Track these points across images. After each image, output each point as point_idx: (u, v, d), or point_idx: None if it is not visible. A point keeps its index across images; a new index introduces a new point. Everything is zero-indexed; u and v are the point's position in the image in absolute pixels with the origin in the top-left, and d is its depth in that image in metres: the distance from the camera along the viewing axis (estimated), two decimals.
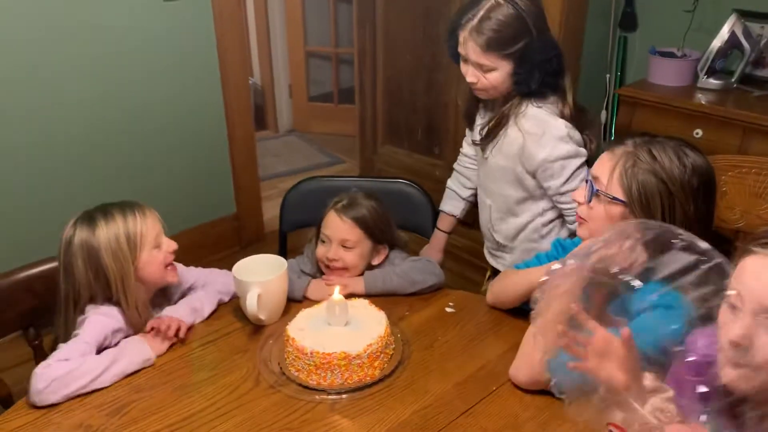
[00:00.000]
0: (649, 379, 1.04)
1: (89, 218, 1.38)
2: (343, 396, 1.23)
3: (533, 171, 1.62)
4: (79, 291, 1.36)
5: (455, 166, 1.93)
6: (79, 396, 1.24)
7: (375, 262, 1.60)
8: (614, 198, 1.21)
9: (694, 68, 2.60)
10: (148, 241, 1.38)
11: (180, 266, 1.52)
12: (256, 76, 4.64)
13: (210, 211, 3.04)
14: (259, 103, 4.59)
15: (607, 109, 2.94)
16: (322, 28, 4.55)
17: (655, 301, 1.16)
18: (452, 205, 1.92)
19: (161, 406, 1.22)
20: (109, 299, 1.37)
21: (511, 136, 1.61)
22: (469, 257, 2.58)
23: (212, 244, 2.99)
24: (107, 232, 1.35)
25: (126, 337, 1.37)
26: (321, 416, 1.19)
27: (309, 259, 1.62)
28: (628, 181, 1.19)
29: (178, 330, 1.38)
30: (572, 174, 1.58)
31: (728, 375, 0.90)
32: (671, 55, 2.65)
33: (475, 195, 1.89)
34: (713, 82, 2.55)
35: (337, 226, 1.55)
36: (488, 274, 1.91)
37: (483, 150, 1.69)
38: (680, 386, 1.03)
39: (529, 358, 1.21)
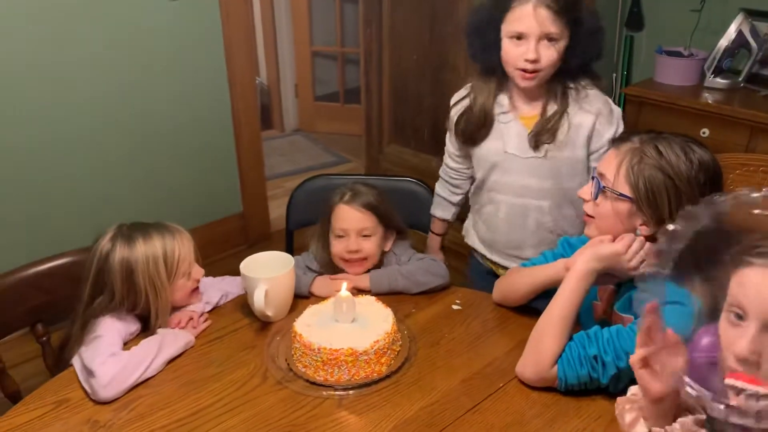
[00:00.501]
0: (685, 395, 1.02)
1: (128, 236, 1.37)
2: (350, 392, 1.24)
3: (593, 151, 1.59)
4: (107, 303, 1.36)
5: (442, 174, 1.88)
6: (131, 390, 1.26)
7: (386, 248, 1.60)
8: (621, 194, 1.21)
9: (701, 67, 2.60)
10: (182, 270, 1.40)
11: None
12: (262, 76, 4.66)
13: (216, 209, 3.05)
14: (265, 102, 4.59)
15: None
16: (328, 28, 4.56)
17: (670, 294, 1.16)
18: (444, 211, 1.89)
19: (169, 402, 1.22)
20: (131, 310, 1.39)
21: (577, 122, 1.57)
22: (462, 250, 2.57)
23: (219, 242, 3.00)
24: (145, 253, 1.35)
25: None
26: (328, 412, 1.19)
27: (315, 257, 1.62)
28: (635, 177, 1.19)
29: (200, 317, 1.44)
30: None
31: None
32: (678, 54, 2.65)
33: (464, 199, 1.86)
34: (720, 82, 2.55)
35: (353, 216, 1.55)
36: None
37: (538, 150, 1.59)
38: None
39: (536, 355, 1.22)
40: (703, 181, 1.17)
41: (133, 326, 1.38)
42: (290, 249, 1.97)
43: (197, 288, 1.47)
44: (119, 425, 1.17)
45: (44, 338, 1.54)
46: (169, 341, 1.34)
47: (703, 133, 2.41)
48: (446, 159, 1.85)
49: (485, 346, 1.36)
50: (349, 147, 4.34)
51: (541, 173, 1.62)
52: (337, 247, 1.56)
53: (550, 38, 1.49)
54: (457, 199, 1.87)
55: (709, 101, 2.47)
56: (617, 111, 1.60)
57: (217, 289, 1.54)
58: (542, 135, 1.58)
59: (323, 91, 4.72)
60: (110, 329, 1.32)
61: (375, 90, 3.57)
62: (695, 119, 2.45)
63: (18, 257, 1.59)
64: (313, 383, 1.25)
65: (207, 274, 1.59)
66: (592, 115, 1.56)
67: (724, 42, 2.50)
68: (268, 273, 1.42)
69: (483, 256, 1.82)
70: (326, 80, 4.71)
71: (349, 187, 1.60)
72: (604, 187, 1.24)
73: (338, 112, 4.66)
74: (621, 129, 1.59)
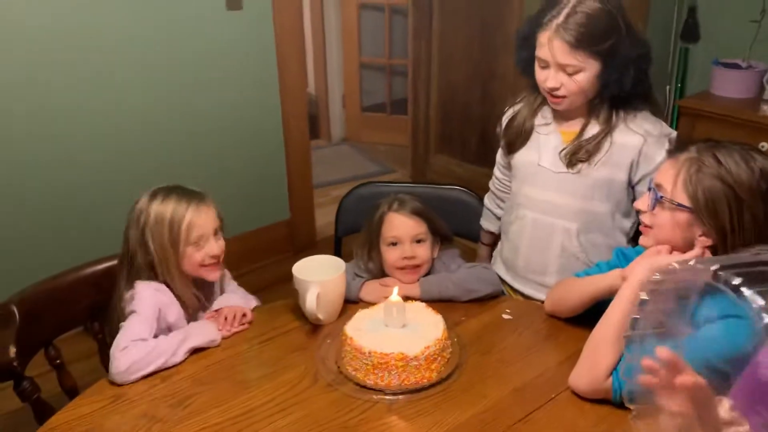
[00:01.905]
0: (724, 410, 1.00)
1: (156, 191, 1.43)
2: (400, 397, 1.23)
3: (643, 177, 1.53)
4: (130, 257, 1.42)
5: (491, 186, 1.87)
6: (149, 376, 1.30)
7: (434, 255, 1.60)
8: (679, 204, 1.18)
9: (760, 80, 2.54)
10: (191, 238, 1.41)
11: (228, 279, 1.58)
12: (311, 86, 4.72)
13: (264, 215, 3.10)
14: (313, 112, 4.65)
15: (666, 121, 2.88)
16: (376, 40, 4.60)
17: (726, 309, 1.13)
18: (492, 223, 1.87)
19: (222, 400, 1.24)
20: (156, 277, 1.42)
21: (622, 142, 1.51)
22: None
23: (266, 248, 3.04)
24: (156, 210, 1.40)
25: (181, 311, 1.43)
26: (378, 416, 1.19)
27: (363, 268, 1.62)
28: (693, 187, 1.16)
29: (243, 317, 1.45)
30: None
31: None
32: (736, 66, 2.59)
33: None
34: None
35: (406, 223, 1.55)
36: None
37: (573, 167, 1.55)
38: (746, 405, 1.00)
39: (591, 366, 1.20)
40: (765, 189, 1.13)
41: (169, 296, 1.42)
42: (339, 255, 1.97)
43: (215, 264, 1.46)
44: (174, 421, 1.19)
45: (100, 336, 1.59)
46: (195, 332, 1.38)
47: (762, 146, 2.34)
48: (495, 170, 1.84)
49: (537, 356, 1.35)
50: (395, 157, 4.36)
51: (571, 190, 1.57)
52: (392, 256, 1.55)
53: (568, 70, 1.46)
54: (501, 211, 1.85)
55: None
56: (669, 133, 1.53)
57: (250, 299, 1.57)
58: (577, 153, 1.54)
59: (370, 102, 4.76)
60: (143, 303, 1.37)
61: (422, 100, 3.58)
62: (753, 133, 2.38)
63: (74, 260, 1.63)
64: (363, 387, 1.26)
65: (254, 280, 1.62)
66: (640, 136, 1.50)
67: None
68: (319, 276, 1.43)
69: (507, 284, 1.74)
70: (373, 91, 4.75)
71: (394, 197, 1.60)
72: (661, 197, 1.21)
73: (384, 123, 4.69)
74: None
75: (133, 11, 2.46)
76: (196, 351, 1.38)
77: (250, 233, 3.00)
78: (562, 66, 1.46)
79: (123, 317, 1.38)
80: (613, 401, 1.18)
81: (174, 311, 1.42)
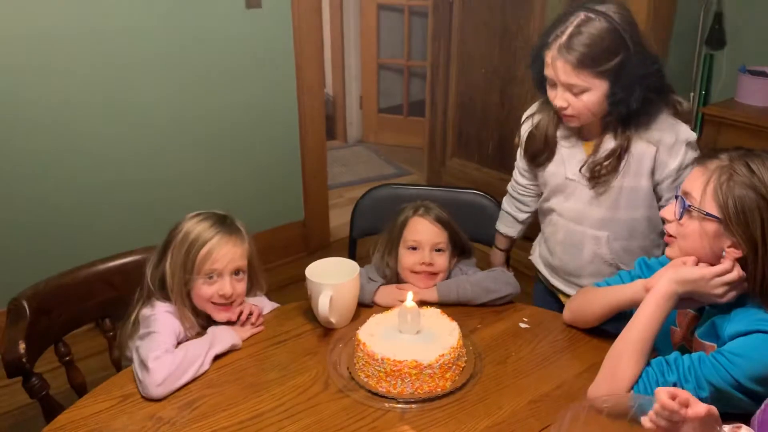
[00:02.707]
0: None
1: (205, 213, 1.41)
2: (413, 406, 1.20)
3: (660, 181, 1.52)
4: (155, 270, 1.40)
5: (509, 190, 1.83)
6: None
7: (451, 267, 1.59)
8: (708, 214, 1.14)
9: None
10: (205, 269, 1.35)
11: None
12: (328, 87, 4.71)
13: (279, 216, 3.08)
14: (330, 113, 4.64)
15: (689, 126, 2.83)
16: (394, 41, 4.58)
17: (754, 324, 1.09)
18: (509, 227, 1.84)
19: (231, 403, 1.22)
20: (167, 297, 1.38)
21: (638, 152, 1.49)
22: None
23: (280, 248, 3.03)
24: (186, 228, 1.37)
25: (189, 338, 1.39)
26: (390, 425, 1.16)
27: (378, 270, 1.60)
28: (724, 196, 1.12)
29: (258, 316, 1.43)
30: None
31: None
32: (763, 74, 2.53)
33: (531, 217, 1.81)
34: None
35: (429, 229, 1.54)
36: None
37: (596, 182, 1.53)
38: None
39: (611, 379, 1.16)
40: None
41: (187, 326, 1.38)
42: (353, 257, 1.95)
43: (225, 305, 1.38)
44: (182, 423, 1.17)
45: (111, 333, 1.57)
46: (219, 339, 1.34)
47: None
48: (515, 174, 1.80)
49: (554, 367, 1.31)
50: (411, 159, 4.33)
51: (598, 201, 1.56)
52: (409, 259, 1.53)
53: (573, 90, 1.43)
54: (523, 216, 1.82)
55: None
56: (685, 137, 1.48)
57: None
58: (596, 169, 1.52)
59: (387, 104, 4.73)
60: (164, 326, 1.32)
61: (440, 103, 3.55)
62: None
63: (91, 257, 1.62)
64: (375, 394, 1.23)
65: (269, 280, 1.59)
66: (653, 146, 1.48)
67: None
68: (333, 279, 1.40)
69: (544, 278, 1.78)
70: (390, 92, 4.73)
71: (420, 203, 1.59)
72: (689, 206, 1.17)
73: (401, 125, 4.66)
74: (691, 156, 1.48)
75: (151, 9, 2.45)
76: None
77: (264, 233, 2.98)
78: (568, 86, 1.43)
79: (137, 330, 1.34)
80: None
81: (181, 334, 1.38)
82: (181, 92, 2.61)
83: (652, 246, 1.60)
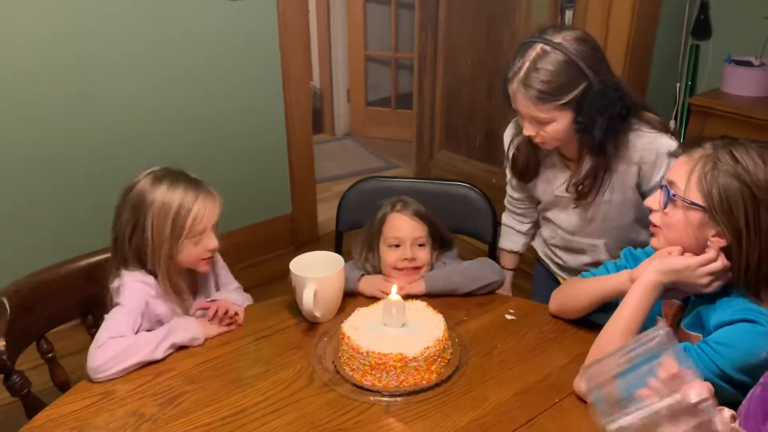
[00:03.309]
0: (722, 422, 0.96)
1: (159, 175, 1.38)
2: (398, 399, 1.20)
3: (648, 190, 1.51)
4: (121, 240, 1.37)
5: (507, 205, 1.82)
6: (130, 373, 1.27)
7: (433, 260, 1.58)
8: (692, 203, 1.13)
9: None
10: (194, 231, 1.36)
11: (222, 267, 1.55)
12: (315, 80, 4.68)
13: (266, 210, 3.06)
14: (317, 106, 4.61)
15: (676, 118, 2.83)
16: (381, 33, 4.55)
17: (739, 314, 1.08)
18: (513, 241, 1.82)
19: (214, 399, 1.20)
20: (143, 266, 1.38)
21: (621, 170, 1.49)
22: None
23: (267, 243, 3.01)
24: (163, 198, 1.34)
25: (169, 303, 1.39)
26: (375, 418, 1.15)
27: (360, 267, 1.58)
28: (708, 184, 1.11)
29: (234, 315, 1.41)
30: None
31: None
32: (748, 64, 2.53)
33: (533, 227, 1.81)
34: None
35: (408, 225, 1.52)
36: None
37: (581, 201, 1.54)
38: (756, 426, 0.95)
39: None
40: None
41: (155, 288, 1.38)
42: (339, 250, 1.94)
43: (208, 258, 1.42)
44: (164, 420, 1.16)
45: (94, 329, 1.55)
46: (177, 329, 1.34)
47: None
48: (509, 190, 1.79)
49: (540, 358, 1.31)
50: (399, 152, 4.32)
51: (591, 216, 1.59)
52: (391, 256, 1.52)
53: (539, 120, 1.42)
54: (525, 228, 1.81)
55: None
56: (666, 149, 1.45)
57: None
58: (581, 189, 1.52)
59: (375, 96, 4.71)
60: (129, 295, 1.33)
61: (428, 95, 3.54)
62: (765, 131, 2.33)
63: (70, 253, 1.60)
64: (361, 387, 1.22)
65: (255, 274, 1.59)
66: (635, 165, 1.48)
67: None
68: (317, 273, 1.39)
69: (545, 263, 1.80)
70: (378, 85, 4.70)
71: (397, 198, 1.58)
72: (674, 195, 1.16)
73: (389, 117, 4.65)
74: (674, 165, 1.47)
75: (134, 0, 2.42)
76: (184, 348, 1.34)
77: (251, 227, 2.97)
78: (532, 118, 1.42)
79: (110, 307, 1.35)
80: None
81: (161, 303, 1.39)
82: (163, 86, 2.58)
83: (648, 238, 1.60)
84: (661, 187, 1.20)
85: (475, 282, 1.50)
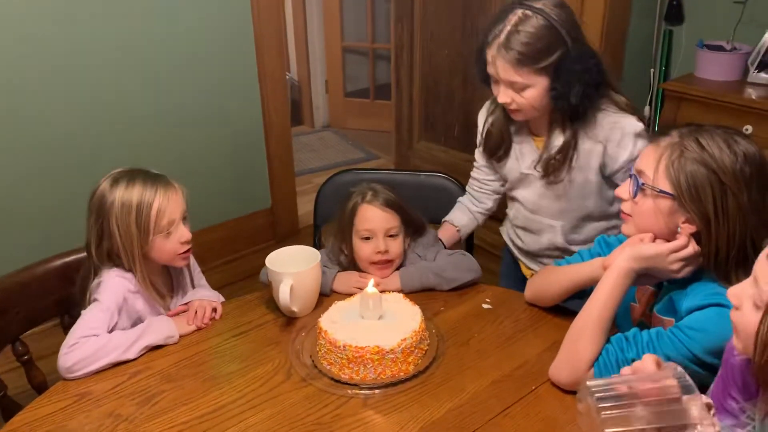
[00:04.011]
0: (697, 408, 0.97)
1: (117, 176, 1.37)
2: (376, 391, 1.20)
3: (613, 173, 1.54)
4: (95, 246, 1.37)
5: (467, 189, 1.83)
6: (105, 372, 1.27)
7: (406, 246, 1.56)
8: (661, 191, 1.14)
9: (744, 62, 2.51)
10: (160, 226, 1.35)
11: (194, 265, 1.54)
12: (293, 72, 4.65)
13: (245, 204, 3.04)
14: (296, 98, 4.59)
15: (650, 104, 2.85)
16: (359, 24, 4.53)
17: (709, 298, 1.10)
18: (457, 216, 1.79)
19: (191, 397, 1.20)
20: (119, 266, 1.37)
21: (586, 149, 1.52)
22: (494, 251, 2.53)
23: (247, 237, 3.00)
24: (122, 197, 1.33)
25: (148, 300, 1.40)
26: (353, 411, 1.16)
27: (332, 259, 1.57)
28: (676, 172, 1.12)
29: (213, 311, 1.42)
30: None
31: None
32: (720, 48, 2.56)
33: (484, 215, 1.81)
34: (764, 77, 2.46)
35: (379, 216, 1.50)
36: None
37: (549, 177, 1.57)
38: (723, 392, 0.97)
39: (572, 357, 1.17)
40: (749, 173, 1.10)
41: (134, 284, 1.37)
42: (317, 244, 1.94)
43: (185, 252, 1.41)
44: (141, 419, 1.15)
45: None
46: (152, 329, 1.33)
47: (746, 129, 2.32)
48: (473, 171, 1.81)
49: (517, 347, 1.32)
50: (379, 143, 4.31)
51: (552, 194, 1.61)
52: (365, 250, 1.51)
53: (515, 86, 1.44)
54: (475, 209, 1.80)
55: (753, 97, 2.38)
56: (632, 129, 1.49)
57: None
58: (549, 166, 1.55)
59: (353, 87, 4.70)
60: (107, 291, 1.33)
61: (406, 86, 3.53)
62: (738, 116, 2.36)
63: (47, 251, 1.58)
64: (338, 381, 1.22)
65: (235, 269, 1.58)
66: (600, 144, 1.51)
67: None
68: (294, 267, 1.39)
69: (511, 250, 1.82)
70: (356, 76, 4.69)
71: (367, 187, 1.55)
72: (643, 184, 1.18)
73: (368, 109, 4.63)
74: (641, 145, 1.49)
75: None
76: (160, 347, 1.34)
77: (231, 222, 2.95)
78: (510, 83, 1.45)
79: (86, 305, 1.34)
80: None
81: (140, 300, 1.38)
82: (134, 80, 2.54)
83: (604, 230, 1.64)
84: (630, 176, 1.21)
85: (451, 284, 1.49)
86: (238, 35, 2.78)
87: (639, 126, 1.50)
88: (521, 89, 1.45)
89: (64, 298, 1.51)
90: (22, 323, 1.48)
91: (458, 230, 1.78)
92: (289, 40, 4.55)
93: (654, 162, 1.15)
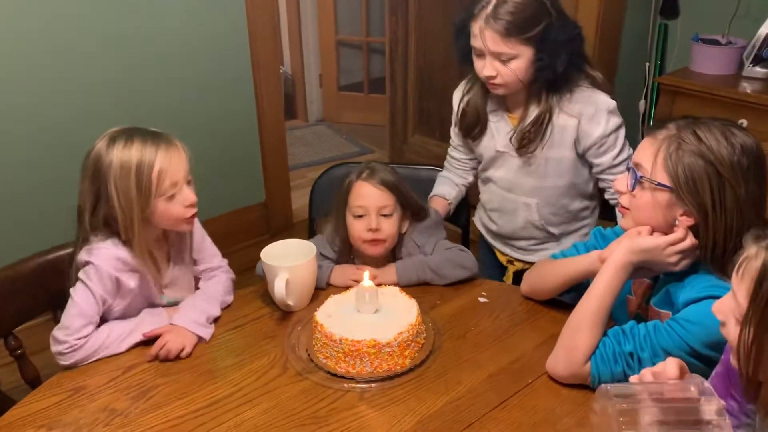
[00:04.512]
0: (709, 412, 0.97)
1: (114, 135, 1.27)
2: (373, 385, 1.20)
3: (586, 149, 1.59)
4: (87, 211, 1.28)
5: (446, 165, 1.86)
6: (99, 367, 1.27)
7: (402, 230, 1.55)
8: (659, 184, 1.14)
9: (740, 56, 2.51)
10: (163, 188, 1.25)
11: (199, 232, 1.46)
12: (287, 65, 4.63)
13: (239, 198, 3.03)
14: (289, 92, 4.57)
15: (646, 98, 2.85)
16: (353, 17, 4.51)
17: (706, 291, 1.10)
18: (444, 191, 1.81)
19: (186, 391, 1.19)
20: (115, 235, 1.28)
21: (560, 124, 1.56)
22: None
23: (241, 231, 2.98)
24: (120, 157, 1.23)
25: (142, 274, 1.33)
26: (349, 405, 1.15)
27: (329, 243, 1.57)
28: (674, 165, 1.12)
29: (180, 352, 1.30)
30: (624, 143, 1.60)
31: None
32: (715, 42, 2.56)
33: (466, 188, 1.83)
34: (759, 71, 2.46)
35: (372, 193, 1.49)
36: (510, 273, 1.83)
37: (523, 150, 1.60)
38: (723, 391, 0.97)
39: (569, 350, 1.16)
40: (746, 165, 1.10)
41: (126, 262, 1.29)
42: (313, 235, 1.93)
43: (190, 217, 1.33)
44: (136, 414, 1.14)
45: None
46: (143, 327, 1.32)
47: (741, 123, 2.32)
48: (450, 150, 1.84)
49: (513, 340, 1.31)
50: (373, 137, 4.30)
51: (527, 171, 1.64)
52: (357, 227, 1.49)
53: (502, 58, 1.48)
54: (459, 181, 1.83)
55: (748, 91, 2.38)
56: (605, 105, 1.55)
57: (217, 307, 1.43)
58: (524, 139, 1.58)
59: (347, 81, 4.67)
60: (99, 275, 1.26)
61: (400, 79, 3.52)
62: (733, 109, 2.36)
63: (39, 245, 1.57)
64: (334, 375, 1.22)
65: (230, 264, 1.56)
66: (574, 118, 1.55)
67: (764, 30, 2.40)
68: (289, 261, 1.38)
69: (486, 239, 1.85)
70: (351, 70, 4.66)
71: (365, 165, 1.54)
72: (641, 177, 1.17)
73: (362, 102, 4.61)
74: (614, 122, 1.56)
75: None
76: (153, 341, 1.32)
77: (225, 216, 2.93)
78: (496, 54, 1.48)
79: (73, 280, 1.29)
80: (591, 386, 1.15)
81: (135, 276, 1.32)
82: (129, 73, 2.52)
83: (579, 209, 1.70)
84: (628, 169, 1.21)
85: (446, 280, 1.49)
86: (231, 28, 2.76)
87: (612, 103, 1.57)
88: (507, 60, 1.48)
89: (56, 292, 1.50)
90: (13, 318, 1.46)
91: (449, 203, 1.81)
92: (283, 34, 4.51)
93: (652, 155, 1.15)
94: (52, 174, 2.44)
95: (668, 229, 1.17)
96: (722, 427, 0.83)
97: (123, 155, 1.23)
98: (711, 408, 0.84)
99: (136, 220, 1.25)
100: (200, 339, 1.33)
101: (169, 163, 1.27)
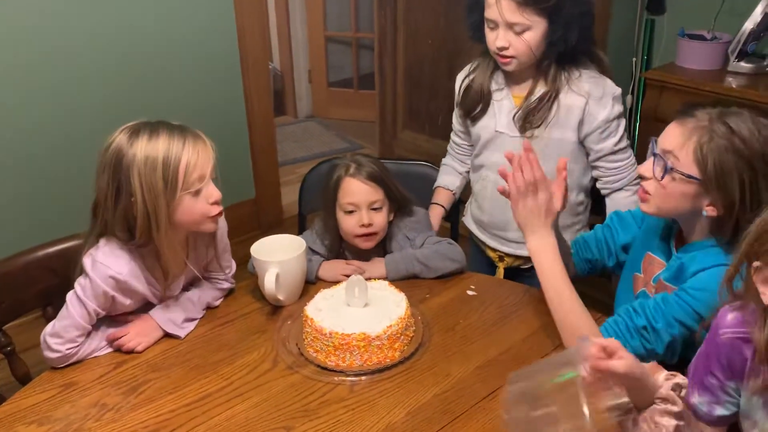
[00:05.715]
0: (664, 388, 0.99)
1: (136, 128, 1.22)
2: (362, 378, 1.21)
3: (588, 133, 1.59)
4: (98, 206, 1.23)
5: (448, 149, 1.88)
6: (90, 363, 1.29)
7: (389, 219, 1.56)
8: (689, 176, 1.12)
9: (725, 51, 2.53)
10: (189, 182, 1.20)
11: (222, 245, 1.45)
12: (276, 62, 4.62)
13: (229, 195, 2.97)
14: (279, 88, 4.56)
15: (632, 93, 2.87)
16: (342, 13, 4.51)
17: (713, 259, 1.10)
18: (449, 180, 1.84)
19: (177, 386, 1.20)
20: (129, 234, 1.22)
21: (568, 103, 1.57)
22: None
23: (231, 228, 2.91)
24: (145, 151, 1.17)
25: (144, 284, 1.29)
26: (340, 398, 1.17)
27: (319, 237, 1.58)
28: (704, 157, 1.10)
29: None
30: (624, 133, 1.62)
31: None
32: (701, 37, 2.58)
33: (469, 173, 1.84)
34: (744, 66, 2.48)
35: (362, 189, 1.50)
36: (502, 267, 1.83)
37: (527, 126, 1.59)
38: (704, 369, 0.99)
39: (573, 331, 1.18)
40: None
41: (130, 274, 1.25)
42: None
43: (218, 215, 1.29)
44: (127, 408, 1.15)
45: None
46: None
47: None
48: (452, 136, 1.86)
49: (501, 332, 1.33)
50: (363, 133, 4.30)
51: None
52: (349, 222, 1.51)
53: (516, 29, 1.49)
54: (463, 169, 1.85)
55: (733, 86, 2.40)
56: (612, 91, 1.58)
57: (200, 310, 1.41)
58: (529, 117, 1.58)
59: (337, 77, 4.67)
60: (96, 284, 1.22)
61: (389, 75, 3.53)
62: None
63: (28, 242, 1.56)
64: (325, 368, 1.23)
65: None
66: (582, 98, 1.56)
67: (749, 25, 2.42)
68: (279, 256, 1.39)
69: (476, 237, 1.84)
70: (340, 66, 4.66)
71: (351, 159, 1.54)
72: (671, 168, 1.15)
73: (352, 98, 4.62)
74: (618, 109, 1.58)
75: None
76: None
77: None
78: (510, 25, 1.49)
79: (77, 274, 1.27)
80: None
81: (142, 282, 1.28)
82: (117, 69, 2.51)
83: (575, 203, 1.70)
84: (654, 155, 1.19)
85: (435, 272, 1.50)
86: (219, 23, 2.75)
87: (618, 90, 1.59)
88: (521, 31, 1.49)
89: (47, 288, 1.50)
90: (4, 314, 1.46)
91: (453, 193, 1.83)
92: (272, 30, 4.50)
93: (681, 144, 1.13)
94: (39, 171, 2.43)
95: (692, 216, 1.17)
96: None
97: (148, 148, 1.18)
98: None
99: (162, 216, 1.19)
100: (174, 336, 1.33)
101: (197, 157, 1.23)
